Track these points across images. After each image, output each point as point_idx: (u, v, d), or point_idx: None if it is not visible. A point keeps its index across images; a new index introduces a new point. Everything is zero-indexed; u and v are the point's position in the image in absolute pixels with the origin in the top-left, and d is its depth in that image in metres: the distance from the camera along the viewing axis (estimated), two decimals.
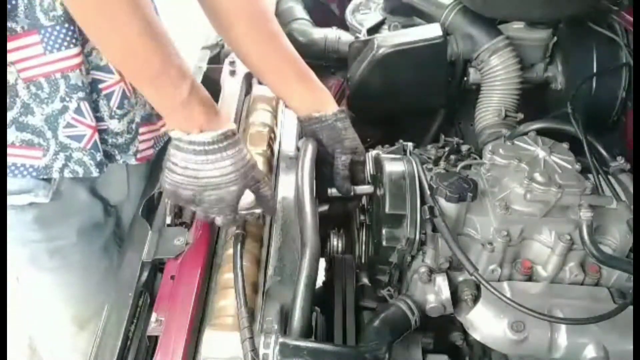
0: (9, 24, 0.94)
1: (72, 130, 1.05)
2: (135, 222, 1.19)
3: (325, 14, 2.04)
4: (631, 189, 1.10)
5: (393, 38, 1.47)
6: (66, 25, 0.96)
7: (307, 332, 0.93)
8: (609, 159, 1.16)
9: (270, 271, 1.04)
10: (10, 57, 0.96)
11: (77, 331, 1.36)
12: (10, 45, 0.95)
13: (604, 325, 0.92)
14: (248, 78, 1.53)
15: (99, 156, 1.09)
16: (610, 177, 1.12)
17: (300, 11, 1.87)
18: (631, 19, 1.38)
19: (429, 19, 1.57)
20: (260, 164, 1.22)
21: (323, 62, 1.72)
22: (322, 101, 1.17)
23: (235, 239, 1.01)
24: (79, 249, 1.23)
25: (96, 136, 1.07)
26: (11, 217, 1.09)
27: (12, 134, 1.02)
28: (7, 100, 0.99)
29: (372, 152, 1.42)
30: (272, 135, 1.34)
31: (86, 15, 0.84)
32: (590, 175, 1.08)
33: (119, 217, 1.34)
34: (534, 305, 0.91)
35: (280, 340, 0.85)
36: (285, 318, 0.96)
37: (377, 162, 1.20)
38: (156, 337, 0.90)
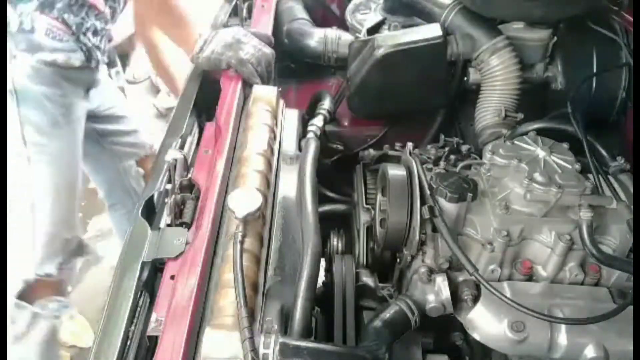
0: None
1: None
2: (135, 222, 1.19)
3: (325, 14, 2.04)
4: (631, 189, 1.10)
5: (393, 38, 1.47)
6: None
7: (307, 332, 0.93)
8: (609, 159, 1.16)
9: (270, 271, 1.05)
10: None
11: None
12: None
13: (604, 325, 0.92)
14: None
15: None
16: (610, 177, 1.12)
17: (300, 11, 1.87)
18: (631, 19, 1.38)
19: (429, 19, 1.57)
20: (261, 164, 1.22)
21: (323, 62, 1.72)
22: None
23: (235, 239, 1.01)
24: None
25: None
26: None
27: None
28: None
29: (372, 152, 1.42)
30: (272, 136, 1.34)
31: None
32: (590, 175, 1.08)
33: None
34: (534, 305, 0.91)
35: (280, 340, 0.85)
36: (285, 318, 0.96)
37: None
38: (156, 337, 0.90)
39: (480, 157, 1.14)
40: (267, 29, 1.74)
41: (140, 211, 1.18)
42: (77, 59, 1.70)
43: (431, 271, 1.04)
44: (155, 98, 3.89)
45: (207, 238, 1.07)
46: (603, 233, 1.03)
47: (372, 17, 1.80)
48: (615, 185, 1.10)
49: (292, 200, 1.20)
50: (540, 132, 1.15)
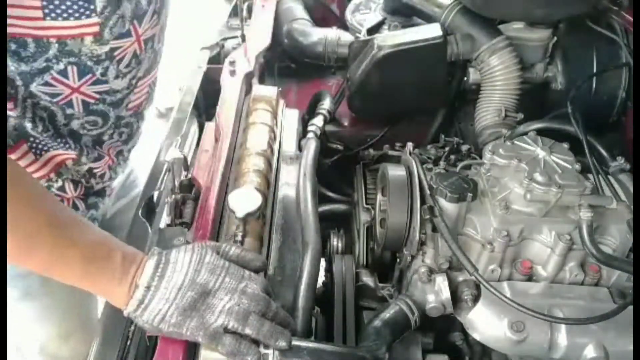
0: None
1: (47, 89, 0.99)
2: (135, 222, 1.19)
3: (325, 14, 2.04)
4: (631, 189, 1.10)
5: (393, 38, 1.47)
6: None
7: (307, 332, 0.93)
8: (609, 159, 1.16)
9: (270, 271, 1.05)
10: None
11: (62, 343, 1.37)
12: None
13: (604, 325, 0.92)
14: (248, 78, 1.53)
15: (70, 111, 1.04)
16: (610, 177, 1.12)
17: (300, 11, 1.87)
18: (631, 19, 1.38)
19: (429, 19, 1.57)
20: (261, 164, 1.22)
21: (323, 62, 1.72)
22: None
23: (235, 239, 1.01)
24: None
25: (74, 96, 1.02)
26: None
27: None
28: None
29: (372, 152, 1.42)
30: (272, 135, 1.34)
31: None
32: (590, 175, 1.08)
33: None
34: (534, 305, 0.91)
35: None
36: None
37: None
38: (156, 337, 0.90)
39: (480, 157, 1.14)
40: (267, 29, 1.74)
41: (140, 211, 1.18)
42: None
43: (431, 271, 1.04)
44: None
45: (207, 238, 1.07)
46: (603, 233, 1.02)
47: (372, 17, 1.80)
48: (615, 185, 1.10)
49: (292, 200, 1.20)
50: (540, 132, 1.15)
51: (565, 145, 1.10)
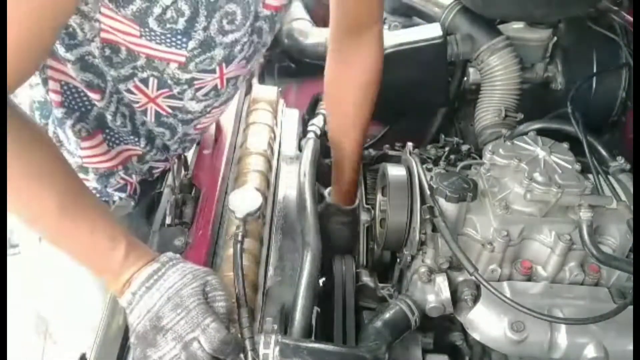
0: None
1: (129, 95, 1.02)
2: (136, 222, 1.19)
3: (325, 14, 2.03)
4: (631, 189, 1.10)
5: (393, 38, 1.47)
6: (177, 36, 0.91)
7: (307, 332, 0.93)
8: (609, 159, 1.16)
9: (270, 271, 1.05)
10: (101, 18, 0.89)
11: (86, 308, 1.35)
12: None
13: (604, 325, 0.92)
14: (248, 78, 1.53)
15: (144, 118, 1.07)
16: (610, 177, 1.12)
17: (300, 11, 1.87)
18: (631, 19, 1.38)
19: (429, 19, 1.57)
20: (261, 164, 1.22)
21: (323, 62, 1.71)
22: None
23: (235, 239, 1.01)
24: None
25: (149, 106, 1.05)
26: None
27: (74, 71, 0.97)
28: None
29: (372, 152, 1.42)
30: (272, 135, 1.34)
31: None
32: (590, 175, 1.08)
33: None
34: (534, 305, 0.91)
35: (280, 340, 0.85)
36: (285, 318, 0.96)
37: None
38: None
39: (480, 157, 1.14)
40: None
41: (140, 211, 1.18)
42: None
43: (431, 271, 1.04)
44: None
45: (207, 238, 1.07)
46: (603, 233, 1.02)
47: None
48: (615, 185, 1.10)
49: (292, 200, 1.20)
50: (540, 132, 1.15)
51: (565, 145, 1.10)
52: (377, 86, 1.20)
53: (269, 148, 1.29)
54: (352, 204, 1.25)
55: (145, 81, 1.00)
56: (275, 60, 1.88)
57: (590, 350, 0.93)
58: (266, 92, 1.44)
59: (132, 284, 0.84)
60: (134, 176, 1.18)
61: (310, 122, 1.40)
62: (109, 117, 1.06)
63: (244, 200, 1.02)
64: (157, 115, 1.07)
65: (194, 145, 1.32)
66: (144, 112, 1.07)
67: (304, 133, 1.39)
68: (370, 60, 1.18)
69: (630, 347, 0.92)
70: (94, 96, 1.01)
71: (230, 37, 0.95)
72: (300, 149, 1.33)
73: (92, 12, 0.88)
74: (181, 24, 0.88)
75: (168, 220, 1.13)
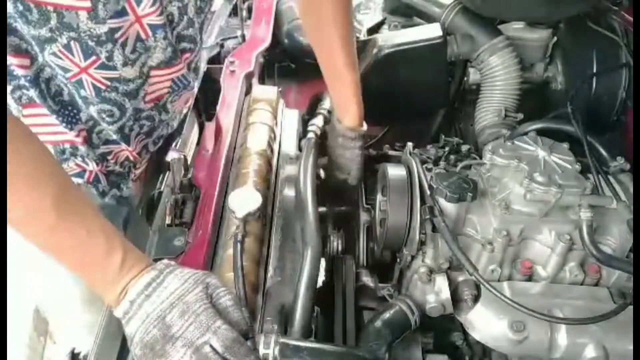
0: None
1: (57, 60, 1.00)
2: (135, 222, 1.19)
3: None
4: (631, 189, 1.10)
5: (393, 38, 1.47)
6: None
7: (307, 332, 0.93)
8: (609, 159, 1.16)
9: (270, 271, 1.05)
10: None
11: (86, 307, 1.34)
12: None
13: (604, 325, 0.92)
14: (248, 78, 1.53)
15: (84, 92, 1.05)
16: (610, 177, 1.12)
17: None
18: (631, 19, 1.38)
19: (429, 19, 1.57)
20: (261, 164, 1.22)
21: None
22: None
23: (235, 239, 1.01)
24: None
25: (83, 77, 1.02)
26: None
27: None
28: None
29: (372, 152, 1.42)
30: (272, 135, 1.34)
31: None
32: (590, 175, 1.08)
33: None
34: (534, 305, 0.91)
35: (280, 340, 0.85)
36: (285, 318, 0.96)
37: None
38: None
39: (480, 157, 1.14)
40: (267, 29, 1.74)
41: (140, 211, 1.18)
42: None
43: (431, 271, 1.04)
44: None
45: (207, 238, 1.07)
46: (603, 233, 1.02)
47: (372, 17, 1.80)
48: (615, 185, 1.10)
49: (292, 200, 1.20)
50: (540, 132, 1.15)
51: (565, 145, 1.10)
52: None
53: (269, 148, 1.29)
54: (360, 125, 1.24)
55: (67, 47, 0.98)
56: (275, 60, 1.88)
57: (590, 350, 0.93)
58: (266, 92, 1.44)
59: (129, 292, 0.82)
60: (90, 163, 1.14)
61: (310, 122, 1.40)
62: (42, 86, 1.03)
63: (244, 200, 1.02)
64: (97, 90, 1.05)
65: (159, 128, 1.26)
66: (80, 84, 1.04)
67: (304, 133, 1.39)
68: None
69: (630, 347, 0.92)
70: (23, 62, 0.99)
71: None
72: (300, 149, 1.33)
73: None
74: None
75: (168, 220, 1.13)
